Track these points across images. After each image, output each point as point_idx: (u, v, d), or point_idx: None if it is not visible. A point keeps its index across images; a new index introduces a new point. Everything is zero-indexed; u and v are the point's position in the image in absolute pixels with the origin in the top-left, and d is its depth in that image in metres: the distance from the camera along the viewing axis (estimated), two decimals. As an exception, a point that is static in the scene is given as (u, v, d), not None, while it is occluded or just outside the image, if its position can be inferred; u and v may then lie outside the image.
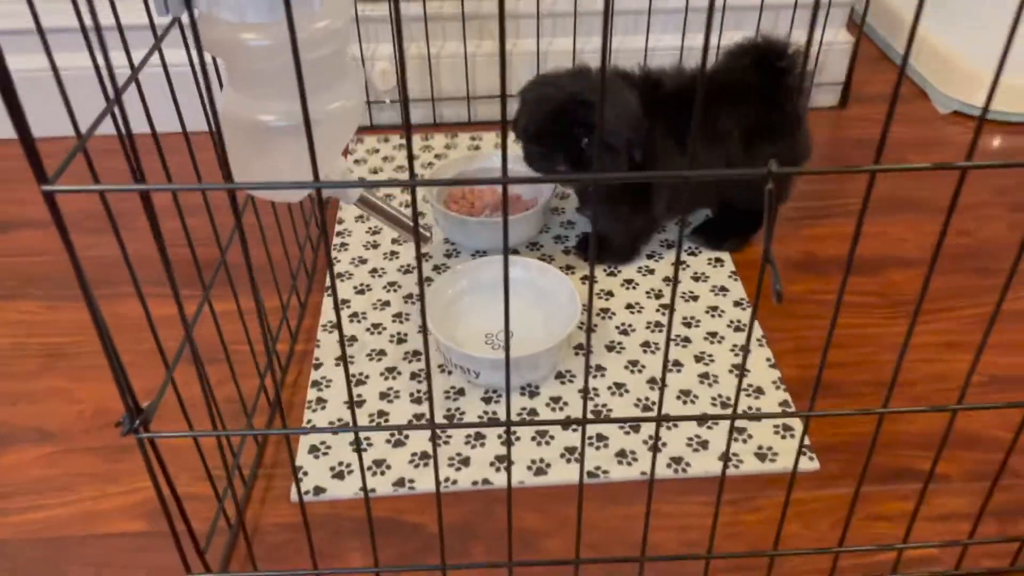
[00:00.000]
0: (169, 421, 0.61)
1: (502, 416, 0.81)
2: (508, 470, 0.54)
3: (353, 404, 0.50)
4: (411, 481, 0.75)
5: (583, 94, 0.86)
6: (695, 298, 0.95)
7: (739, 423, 0.80)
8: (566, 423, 0.59)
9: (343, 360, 0.53)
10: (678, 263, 0.45)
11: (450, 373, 0.85)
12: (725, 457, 0.54)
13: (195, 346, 0.56)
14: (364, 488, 0.55)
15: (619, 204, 0.93)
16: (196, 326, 0.59)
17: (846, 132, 1.26)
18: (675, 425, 0.80)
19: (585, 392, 0.51)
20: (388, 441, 0.79)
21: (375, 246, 1.02)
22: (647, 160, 0.88)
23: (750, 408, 0.82)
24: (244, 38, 0.62)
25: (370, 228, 1.05)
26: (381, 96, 1.24)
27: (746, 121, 0.92)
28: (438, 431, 0.80)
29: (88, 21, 0.47)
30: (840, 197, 1.12)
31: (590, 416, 0.80)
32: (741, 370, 0.52)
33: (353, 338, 0.90)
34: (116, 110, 0.47)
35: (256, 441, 0.79)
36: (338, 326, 0.46)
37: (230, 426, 0.79)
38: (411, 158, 0.39)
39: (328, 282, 0.97)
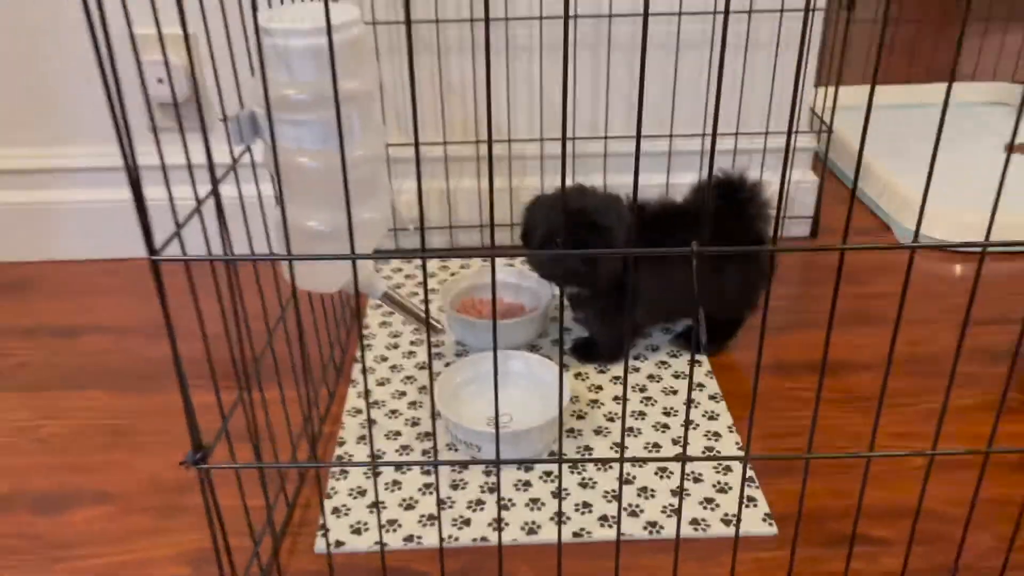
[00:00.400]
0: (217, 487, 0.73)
1: (502, 488, 0.93)
2: (498, 503, 0.66)
3: (370, 428, 0.63)
4: (419, 537, 0.87)
5: (589, 209, 1.02)
6: (674, 392, 1.08)
7: (709, 495, 0.91)
8: (548, 461, 0.71)
9: (362, 372, 0.67)
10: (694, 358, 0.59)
11: (456, 450, 0.98)
12: (680, 492, 0.67)
13: (248, 399, 0.70)
14: (379, 522, 0.67)
15: (605, 309, 1.08)
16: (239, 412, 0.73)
17: (816, 259, 1.42)
18: (652, 495, 0.91)
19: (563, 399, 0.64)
20: (400, 505, 0.91)
21: (395, 347, 1.17)
22: (634, 271, 1.04)
23: (718, 483, 0.93)
24: (300, 161, 0.80)
25: (391, 332, 1.21)
26: (406, 223, 1.42)
27: (713, 244, 1.06)
28: (443, 500, 0.92)
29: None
30: (805, 312, 1.27)
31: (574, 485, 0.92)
32: (688, 401, 0.65)
33: (373, 422, 1.03)
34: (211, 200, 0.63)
35: (287, 503, 0.91)
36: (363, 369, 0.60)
37: (271, 492, 0.91)
38: (423, 231, 0.55)
39: (354, 376, 1.12)
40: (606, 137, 1.38)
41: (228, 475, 0.79)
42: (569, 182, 1.40)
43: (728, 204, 1.08)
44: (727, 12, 0.51)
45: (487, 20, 0.51)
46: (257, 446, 0.76)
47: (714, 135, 0.55)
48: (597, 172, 1.42)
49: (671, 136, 1.38)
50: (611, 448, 0.98)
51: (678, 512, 0.67)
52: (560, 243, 1.02)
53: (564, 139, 0.48)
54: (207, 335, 0.69)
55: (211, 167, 0.64)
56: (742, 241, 1.08)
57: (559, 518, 0.73)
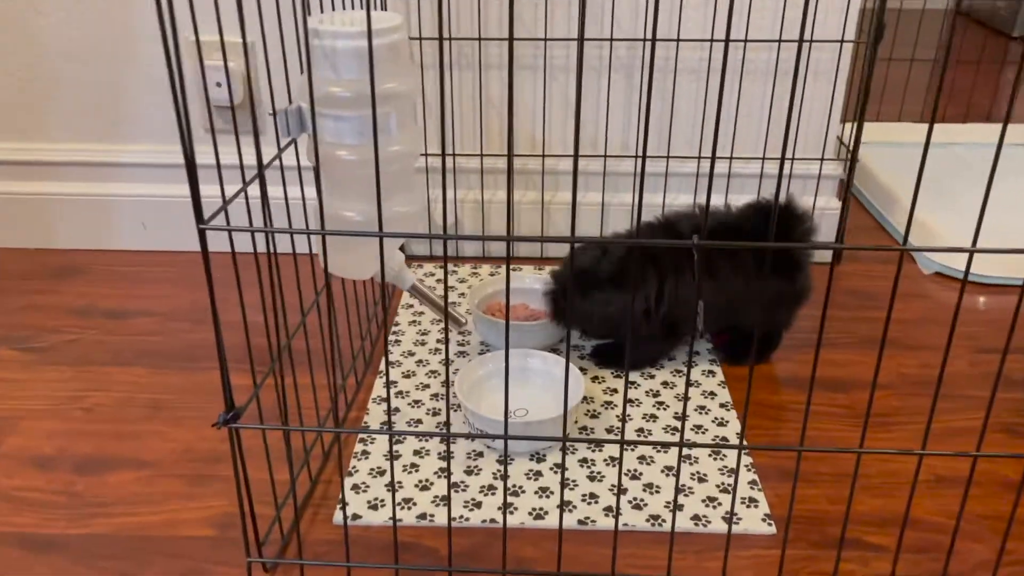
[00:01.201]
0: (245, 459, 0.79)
1: (513, 477, 0.97)
2: (504, 480, 0.71)
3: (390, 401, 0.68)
4: (431, 515, 0.91)
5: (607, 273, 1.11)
6: (687, 398, 1.11)
7: (712, 494, 0.95)
8: (552, 439, 0.76)
9: (386, 357, 0.73)
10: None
11: (473, 440, 1.02)
12: (675, 487, 0.71)
13: (279, 372, 0.76)
14: (394, 505, 0.72)
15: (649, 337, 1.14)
16: (271, 395, 0.79)
17: (839, 283, 1.45)
18: (657, 491, 0.95)
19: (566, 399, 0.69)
20: (416, 485, 0.95)
21: (423, 344, 1.23)
22: (673, 300, 1.09)
23: (721, 484, 0.96)
24: (339, 154, 0.86)
25: (420, 330, 1.26)
26: (440, 230, 1.49)
27: (750, 261, 1.10)
28: (453, 480, 0.96)
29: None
30: (826, 333, 1.29)
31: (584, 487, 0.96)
32: (686, 390, 0.69)
33: (396, 409, 1.09)
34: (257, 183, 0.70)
35: (310, 477, 0.96)
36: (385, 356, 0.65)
37: (296, 467, 0.97)
38: (445, 215, 0.60)
39: (382, 367, 1.17)
40: (639, 156, 1.44)
41: (257, 447, 0.85)
42: (598, 197, 1.45)
43: (775, 228, 1.11)
44: (779, 41, 0.56)
45: (511, 39, 0.57)
46: (285, 414, 0.82)
47: (763, 160, 0.60)
48: (627, 190, 1.47)
49: (699, 158, 1.43)
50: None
51: (674, 503, 0.71)
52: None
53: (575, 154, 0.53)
54: (245, 311, 0.75)
55: (257, 149, 0.71)
56: (781, 263, 1.12)
57: (561, 500, 0.78)
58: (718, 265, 1.11)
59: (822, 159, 1.42)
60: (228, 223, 0.70)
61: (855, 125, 1.41)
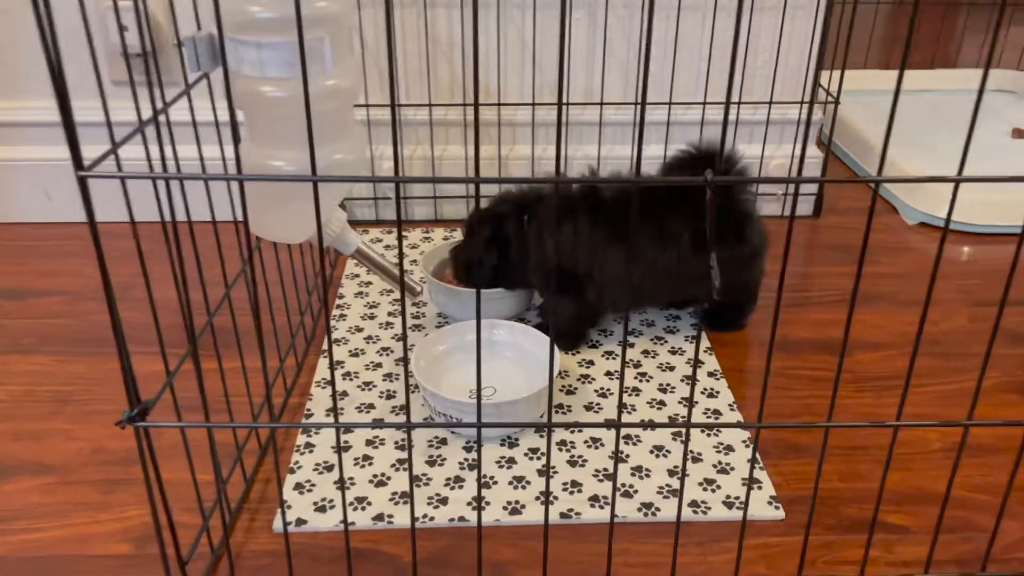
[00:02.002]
0: (163, 460, 0.65)
1: (483, 465, 0.84)
2: (479, 474, 0.58)
3: (335, 398, 0.55)
4: (390, 516, 0.78)
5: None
6: (671, 368, 1.00)
7: (709, 475, 0.83)
8: (534, 425, 0.63)
9: (329, 347, 0.59)
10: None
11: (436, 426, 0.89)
12: (683, 471, 0.59)
13: (197, 354, 0.62)
14: (344, 510, 0.59)
15: (557, 293, 1.00)
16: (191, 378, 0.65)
17: (820, 238, 1.34)
18: (647, 474, 0.83)
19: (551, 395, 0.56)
20: (371, 481, 0.82)
21: (372, 318, 1.09)
22: (588, 264, 0.96)
23: (719, 464, 0.85)
24: (263, 90, 0.71)
25: (368, 303, 1.12)
26: (387, 192, 1.34)
27: (695, 224, 0.95)
28: (415, 473, 0.83)
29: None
30: (811, 290, 1.19)
31: (564, 464, 0.84)
32: (693, 372, 0.57)
33: (344, 393, 0.95)
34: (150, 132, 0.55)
35: (244, 477, 0.82)
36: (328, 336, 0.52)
37: (223, 466, 0.83)
38: (397, 140, 0.46)
39: (325, 345, 1.03)
40: (602, 104, 1.31)
41: (178, 445, 0.70)
42: (562, 151, 1.32)
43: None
44: None
45: None
46: (206, 407, 0.67)
47: (738, 104, 0.47)
48: (591, 142, 1.34)
49: (670, 104, 1.30)
50: (605, 424, 0.90)
51: (681, 489, 0.59)
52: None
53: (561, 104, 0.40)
54: (149, 282, 0.60)
55: (160, 84, 0.56)
56: (727, 222, 0.98)
57: (547, 494, 0.65)
58: (646, 236, 0.97)
59: (802, 102, 1.31)
60: (120, 169, 0.55)
61: (833, 75, 1.30)
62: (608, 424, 0.60)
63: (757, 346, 1.06)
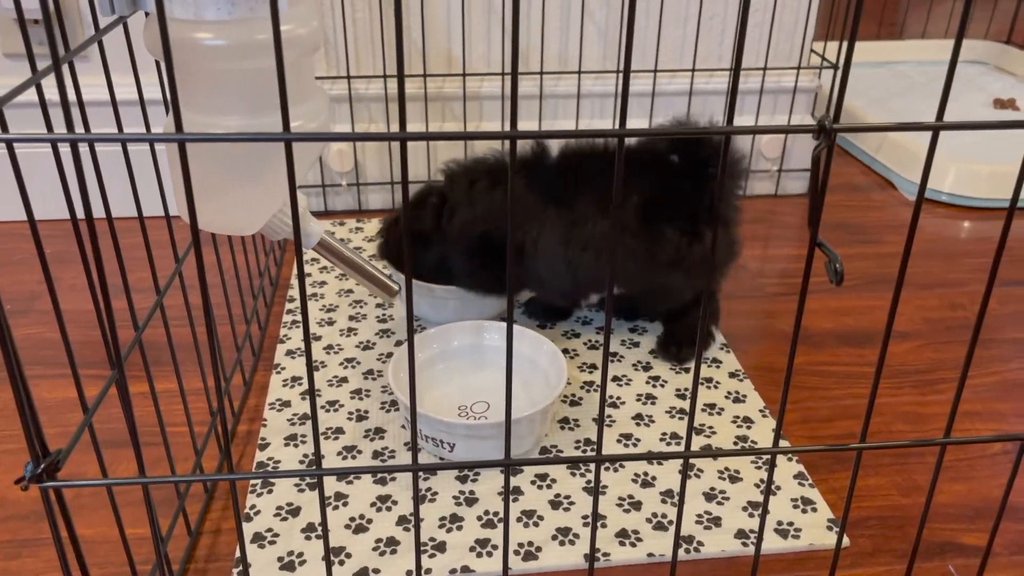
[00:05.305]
0: (85, 513, 0.49)
1: (480, 496, 0.70)
2: (506, 527, 0.43)
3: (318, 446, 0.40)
4: (376, 571, 0.63)
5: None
6: (686, 370, 0.86)
7: (753, 498, 0.70)
8: (584, 459, 0.49)
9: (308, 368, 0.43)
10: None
11: (419, 450, 0.74)
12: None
13: (125, 382, 0.46)
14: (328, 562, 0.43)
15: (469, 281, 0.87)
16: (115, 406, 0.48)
17: (822, 217, 1.23)
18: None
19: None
20: (347, 526, 0.66)
21: (330, 323, 0.93)
22: (521, 230, 0.82)
23: (762, 481, 0.72)
24: (198, 37, 0.55)
25: (324, 306, 0.96)
26: (337, 179, 1.18)
27: (646, 192, 0.81)
28: (401, 514, 0.68)
29: None
30: (822, 274, 1.07)
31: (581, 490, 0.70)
32: (698, 368, 0.43)
33: (306, 415, 0.79)
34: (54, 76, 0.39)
35: (188, 531, 0.66)
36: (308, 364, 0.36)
37: (161, 514, 0.66)
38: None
39: (277, 359, 0.87)
40: (580, 72, 1.17)
41: (101, 493, 0.54)
42: (536, 126, 1.18)
43: (683, 159, 0.83)
44: None
45: None
46: (140, 455, 0.51)
47: (737, 74, 0.33)
48: (568, 116, 1.20)
49: (655, 71, 1.17)
50: (618, 440, 0.76)
51: (677, 524, 0.45)
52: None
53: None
54: (54, 289, 0.44)
55: (63, 35, 0.39)
56: (691, 206, 0.82)
57: (592, 532, 0.51)
58: (587, 203, 0.82)
59: (799, 67, 1.19)
60: (5, 129, 0.39)
61: (847, 38, 1.19)
62: (587, 459, 0.47)
63: (778, 340, 0.93)
